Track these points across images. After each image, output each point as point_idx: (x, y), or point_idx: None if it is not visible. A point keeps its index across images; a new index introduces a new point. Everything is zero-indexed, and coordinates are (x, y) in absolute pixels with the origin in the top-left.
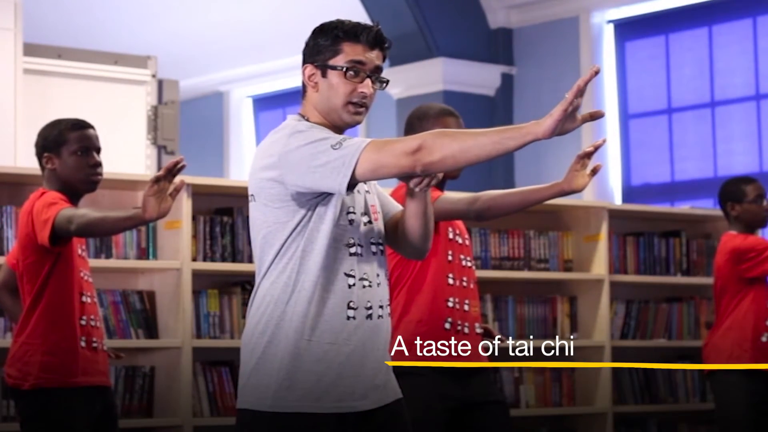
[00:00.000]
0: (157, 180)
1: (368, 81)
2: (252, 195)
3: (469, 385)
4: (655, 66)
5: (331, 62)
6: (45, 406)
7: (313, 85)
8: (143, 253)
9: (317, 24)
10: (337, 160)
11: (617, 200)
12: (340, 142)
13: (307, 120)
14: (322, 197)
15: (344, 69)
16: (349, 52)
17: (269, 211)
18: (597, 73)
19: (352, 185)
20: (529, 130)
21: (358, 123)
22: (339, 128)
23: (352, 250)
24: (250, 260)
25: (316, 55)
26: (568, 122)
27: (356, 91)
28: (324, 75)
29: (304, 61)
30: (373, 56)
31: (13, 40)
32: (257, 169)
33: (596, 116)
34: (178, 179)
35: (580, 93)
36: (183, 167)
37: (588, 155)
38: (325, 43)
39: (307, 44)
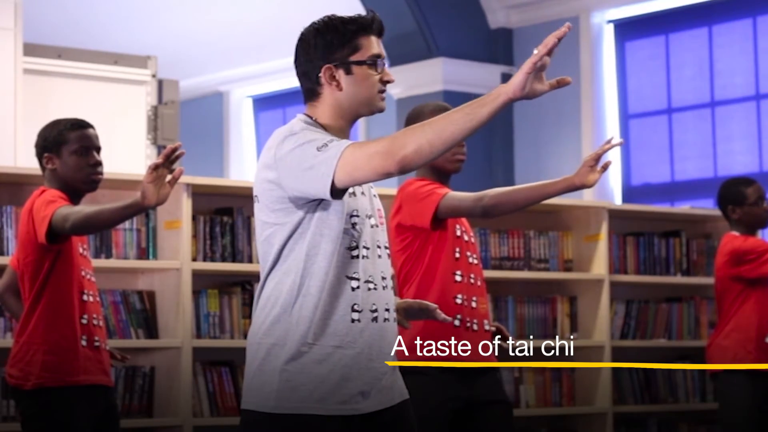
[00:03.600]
0: (155, 167)
1: (386, 69)
2: (256, 196)
3: (475, 385)
4: (655, 66)
5: (354, 58)
6: (47, 406)
7: (336, 84)
8: (143, 253)
9: None
10: (321, 164)
11: (617, 200)
12: (326, 144)
13: (315, 120)
14: (318, 201)
15: (374, 63)
16: (366, 46)
17: (271, 213)
18: (569, 29)
19: (341, 192)
20: (500, 92)
21: (384, 109)
22: (355, 120)
23: (355, 252)
24: (250, 260)
25: (331, 54)
26: (537, 83)
27: (382, 80)
28: (348, 72)
29: (312, 61)
30: (380, 45)
31: (13, 40)
32: (259, 170)
33: (563, 83)
34: (177, 169)
35: (550, 50)
36: (181, 154)
37: (605, 152)
38: (338, 41)
39: (314, 45)
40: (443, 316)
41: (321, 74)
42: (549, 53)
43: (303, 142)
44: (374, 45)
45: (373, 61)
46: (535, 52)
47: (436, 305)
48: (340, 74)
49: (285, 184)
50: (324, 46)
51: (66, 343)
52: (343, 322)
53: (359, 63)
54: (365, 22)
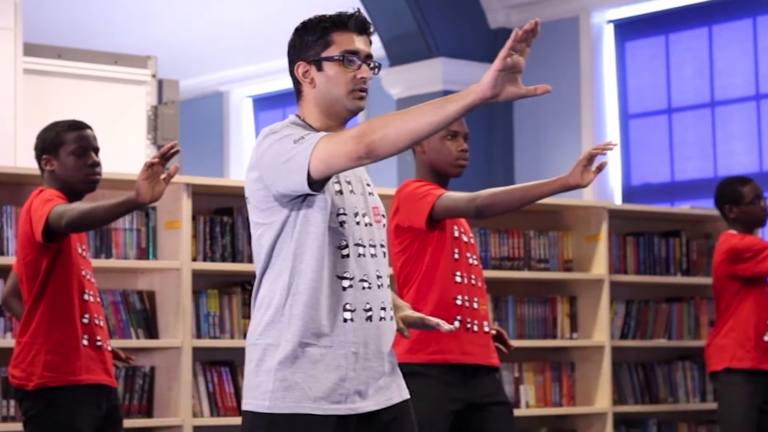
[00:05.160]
0: (150, 165)
1: (364, 66)
2: (247, 197)
3: (476, 386)
4: (655, 66)
5: (325, 54)
6: (50, 406)
7: (309, 81)
8: (143, 253)
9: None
10: (297, 156)
11: (617, 200)
12: (303, 137)
13: (303, 120)
14: (301, 198)
15: (342, 59)
16: (340, 42)
17: (259, 213)
18: (537, 24)
19: (319, 184)
20: (470, 90)
21: (362, 109)
22: (341, 119)
23: (345, 251)
24: (250, 260)
25: (306, 51)
26: (510, 85)
27: (356, 78)
28: (319, 69)
29: (293, 61)
30: (363, 42)
31: (13, 40)
32: (247, 171)
33: (542, 91)
34: (172, 166)
35: (518, 46)
36: (177, 152)
37: (598, 153)
38: (313, 37)
39: (293, 44)
40: (447, 327)
41: (296, 71)
42: (521, 52)
43: (281, 137)
44: (352, 42)
45: (342, 57)
46: (505, 45)
47: (437, 321)
48: (313, 71)
49: (267, 181)
50: (300, 44)
51: (68, 342)
52: (335, 322)
53: (329, 58)
54: (341, 18)
